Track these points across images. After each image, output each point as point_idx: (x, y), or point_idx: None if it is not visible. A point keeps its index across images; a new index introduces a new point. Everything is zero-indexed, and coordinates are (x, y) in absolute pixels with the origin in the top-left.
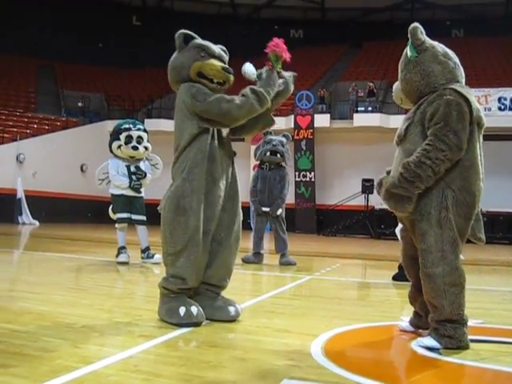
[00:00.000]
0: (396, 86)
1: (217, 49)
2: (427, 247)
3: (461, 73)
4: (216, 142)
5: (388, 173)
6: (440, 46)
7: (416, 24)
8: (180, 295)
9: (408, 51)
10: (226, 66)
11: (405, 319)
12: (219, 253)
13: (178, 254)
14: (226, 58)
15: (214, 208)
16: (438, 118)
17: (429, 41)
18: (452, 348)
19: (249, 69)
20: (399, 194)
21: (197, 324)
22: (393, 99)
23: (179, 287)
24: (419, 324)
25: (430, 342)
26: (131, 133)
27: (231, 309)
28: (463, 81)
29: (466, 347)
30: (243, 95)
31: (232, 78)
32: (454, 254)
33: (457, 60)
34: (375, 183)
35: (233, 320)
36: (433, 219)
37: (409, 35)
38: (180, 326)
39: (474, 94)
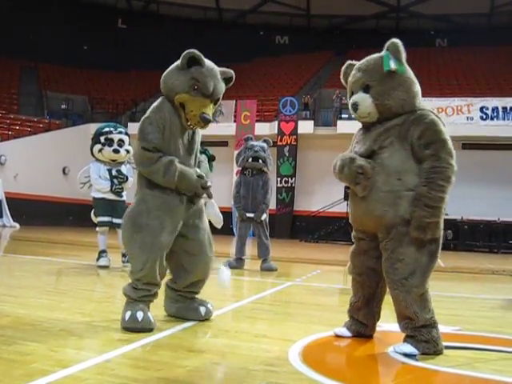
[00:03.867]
0: (362, 98)
1: (213, 84)
2: (408, 260)
3: None
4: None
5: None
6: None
7: (397, 40)
8: (137, 301)
9: (392, 64)
10: (207, 115)
11: (383, 326)
12: (196, 264)
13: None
14: (222, 91)
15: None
16: (430, 137)
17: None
18: (429, 353)
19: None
20: (432, 221)
21: (142, 330)
22: None
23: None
24: (362, 331)
25: (407, 348)
26: (112, 136)
27: (202, 309)
28: None
29: (441, 352)
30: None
31: (208, 126)
32: (431, 264)
33: None
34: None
35: (205, 319)
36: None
37: (392, 49)
38: (125, 330)
39: (453, 105)
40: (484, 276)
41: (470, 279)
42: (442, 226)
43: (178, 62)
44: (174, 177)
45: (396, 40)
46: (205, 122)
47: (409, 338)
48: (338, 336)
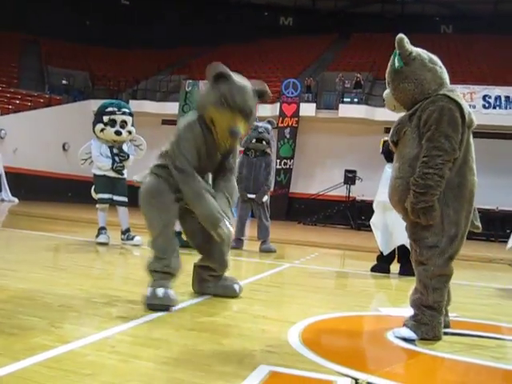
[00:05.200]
0: (386, 94)
1: (242, 97)
2: (426, 241)
3: (446, 75)
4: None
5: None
6: (424, 53)
7: (401, 35)
8: (160, 274)
9: (396, 62)
10: (236, 128)
11: (382, 310)
12: (213, 249)
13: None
14: (253, 106)
15: None
16: (430, 123)
17: (414, 49)
18: (428, 338)
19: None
20: (422, 207)
21: (161, 307)
22: (379, 92)
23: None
24: None
25: (406, 332)
26: (115, 117)
27: (236, 286)
28: (449, 81)
29: (439, 338)
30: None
31: (236, 141)
32: (451, 249)
33: (440, 63)
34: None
35: (236, 296)
36: None
37: (396, 46)
38: (148, 306)
39: (459, 92)
40: (482, 264)
41: (468, 267)
42: (436, 209)
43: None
44: (195, 199)
45: (398, 36)
46: (233, 136)
47: (410, 320)
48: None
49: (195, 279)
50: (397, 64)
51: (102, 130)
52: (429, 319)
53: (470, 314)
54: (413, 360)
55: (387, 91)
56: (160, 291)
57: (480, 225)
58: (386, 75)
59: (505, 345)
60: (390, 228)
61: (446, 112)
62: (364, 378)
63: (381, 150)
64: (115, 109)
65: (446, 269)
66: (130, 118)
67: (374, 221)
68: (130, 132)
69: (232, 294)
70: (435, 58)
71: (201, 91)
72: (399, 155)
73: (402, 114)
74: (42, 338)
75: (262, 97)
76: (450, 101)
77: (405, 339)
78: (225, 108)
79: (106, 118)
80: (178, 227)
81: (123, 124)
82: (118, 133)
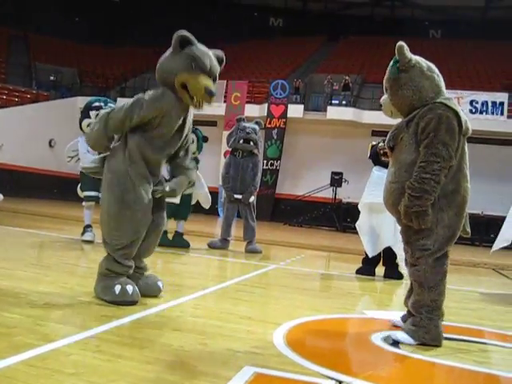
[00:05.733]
0: (384, 100)
1: (210, 62)
2: (420, 246)
3: (443, 83)
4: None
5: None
6: (423, 61)
7: (401, 43)
8: (121, 275)
9: (393, 69)
10: (211, 87)
11: (367, 313)
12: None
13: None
14: (218, 69)
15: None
16: (428, 130)
17: (413, 57)
18: (426, 343)
19: None
20: (416, 211)
21: (132, 303)
22: (367, 95)
23: (124, 270)
24: None
25: (404, 337)
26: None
27: (160, 283)
28: (445, 90)
29: (439, 345)
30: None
31: (213, 100)
32: (444, 251)
33: (438, 71)
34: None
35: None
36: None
37: (396, 53)
38: (114, 303)
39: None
40: (466, 268)
41: (453, 271)
42: (429, 214)
43: (170, 48)
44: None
45: (398, 43)
46: (210, 95)
47: (409, 325)
48: (393, 325)
49: None
50: (392, 70)
51: (89, 125)
52: (426, 322)
53: (455, 318)
54: (396, 363)
55: (385, 97)
56: (129, 288)
57: (469, 230)
58: (384, 81)
59: (487, 349)
60: (376, 230)
61: (444, 120)
62: (348, 381)
63: (368, 155)
64: (102, 104)
65: (438, 267)
66: None
67: (360, 223)
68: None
69: (157, 293)
70: (433, 66)
71: (162, 60)
72: (395, 160)
73: (399, 120)
74: (26, 336)
75: (221, 63)
76: (448, 109)
77: (396, 342)
78: (196, 70)
79: (92, 114)
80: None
81: None
82: None
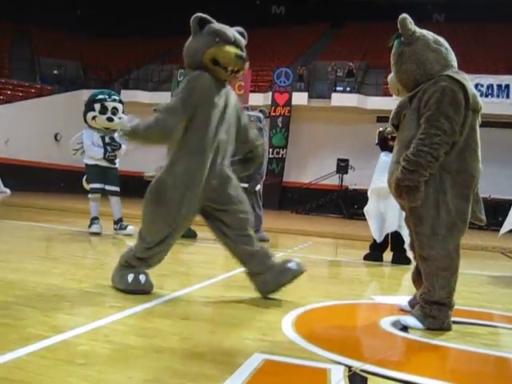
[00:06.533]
0: (391, 78)
1: (233, 34)
2: (423, 230)
3: (453, 57)
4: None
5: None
6: (430, 34)
7: (404, 15)
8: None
9: (396, 43)
10: (241, 53)
11: (376, 298)
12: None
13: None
14: (244, 42)
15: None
16: (431, 103)
17: (418, 30)
18: (434, 329)
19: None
20: (407, 185)
21: (143, 291)
22: (371, 81)
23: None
24: None
25: (413, 321)
26: (106, 103)
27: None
28: (456, 64)
29: (448, 329)
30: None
31: (247, 65)
32: (451, 238)
33: (447, 45)
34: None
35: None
36: (429, 203)
37: (399, 26)
38: (126, 292)
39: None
40: (474, 252)
41: (461, 255)
42: (420, 192)
43: (191, 32)
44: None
45: (401, 16)
46: (242, 59)
47: (418, 310)
48: (400, 309)
49: None
50: (396, 45)
51: (94, 118)
52: (436, 313)
53: (463, 301)
54: (405, 348)
55: (391, 75)
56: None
57: (484, 218)
58: (391, 58)
59: (496, 332)
60: (383, 215)
61: (448, 92)
62: (357, 366)
63: (376, 141)
64: (106, 96)
65: (450, 260)
66: (121, 106)
67: (368, 209)
68: (121, 119)
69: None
70: (442, 39)
71: (186, 46)
72: (398, 139)
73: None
74: (35, 328)
75: (243, 37)
76: (454, 81)
77: (405, 327)
78: (222, 43)
79: (97, 106)
80: None
81: (114, 111)
82: (109, 119)
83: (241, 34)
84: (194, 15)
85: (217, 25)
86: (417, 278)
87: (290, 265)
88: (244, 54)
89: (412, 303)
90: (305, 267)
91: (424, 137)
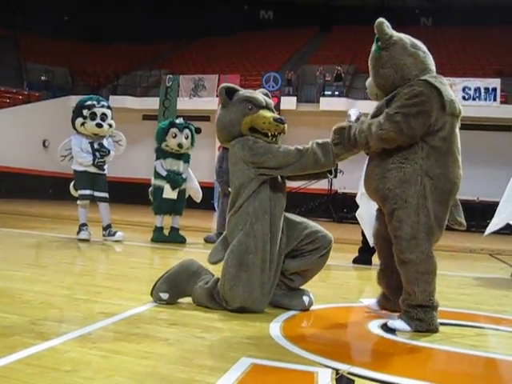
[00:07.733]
0: (369, 82)
1: (263, 97)
2: (403, 234)
3: (431, 61)
4: (274, 194)
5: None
6: (407, 38)
7: (381, 19)
8: None
9: (373, 48)
10: (278, 116)
11: (364, 302)
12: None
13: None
14: (272, 103)
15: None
16: (396, 100)
17: (396, 34)
18: (421, 331)
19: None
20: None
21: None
22: (360, 85)
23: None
24: (386, 305)
25: (400, 324)
26: (95, 110)
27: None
28: (434, 68)
29: (436, 330)
30: (306, 149)
31: (286, 127)
32: (429, 242)
33: (425, 48)
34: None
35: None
36: (410, 207)
37: (375, 31)
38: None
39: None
40: (462, 254)
41: (449, 257)
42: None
43: (221, 104)
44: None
45: (378, 20)
46: (281, 122)
47: (403, 314)
48: (368, 309)
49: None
50: (373, 49)
51: (83, 124)
52: (421, 316)
53: (451, 303)
54: (393, 350)
55: (369, 79)
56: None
57: (464, 222)
58: (369, 62)
59: (484, 333)
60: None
61: (416, 93)
62: (345, 369)
63: None
64: (94, 102)
65: (430, 263)
66: (110, 112)
67: (360, 213)
68: (110, 125)
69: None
70: (420, 43)
71: (218, 119)
72: None
73: None
74: (22, 335)
75: (268, 97)
76: (429, 85)
77: (393, 330)
78: (256, 110)
79: (85, 112)
80: (159, 222)
81: (103, 117)
82: (99, 125)
83: (265, 95)
84: (220, 86)
85: (245, 91)
86: (381, 278)
87: (304, 298)
88: (282, 117)
89: (380, 303)
90: (312, 306)
91: (374, 122)
